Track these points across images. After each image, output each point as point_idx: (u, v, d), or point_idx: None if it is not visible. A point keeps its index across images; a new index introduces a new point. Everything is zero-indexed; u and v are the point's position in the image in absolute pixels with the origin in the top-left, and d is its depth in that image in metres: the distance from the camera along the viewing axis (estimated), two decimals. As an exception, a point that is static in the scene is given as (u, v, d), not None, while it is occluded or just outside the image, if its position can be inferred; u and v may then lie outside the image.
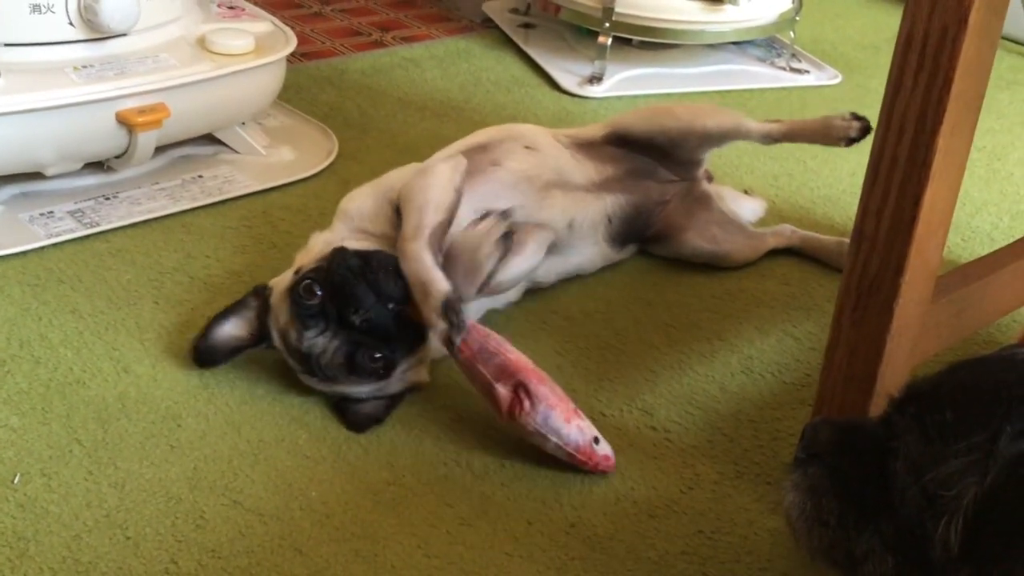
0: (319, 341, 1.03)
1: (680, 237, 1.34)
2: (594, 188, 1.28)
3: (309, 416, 1.06)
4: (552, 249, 1.22)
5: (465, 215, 1.13)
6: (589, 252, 1.29)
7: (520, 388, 1.00)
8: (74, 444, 1.00)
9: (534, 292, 1.27)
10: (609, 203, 1.29)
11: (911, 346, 0.93)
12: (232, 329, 1.09)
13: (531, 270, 1.19)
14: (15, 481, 0.95)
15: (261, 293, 1.10)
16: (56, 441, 1.00)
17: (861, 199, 0.89)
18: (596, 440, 1.01)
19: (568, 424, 1.00)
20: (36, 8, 1.29)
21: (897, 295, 0.87)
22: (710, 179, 1.44)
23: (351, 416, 1.06)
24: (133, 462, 0.98)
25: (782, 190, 1.59)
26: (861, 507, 0.73)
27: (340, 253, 1.06)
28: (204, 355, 1.08)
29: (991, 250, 1.46)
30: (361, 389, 1.06)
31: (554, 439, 0.99)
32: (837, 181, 1.63)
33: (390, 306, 1.04)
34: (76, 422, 1.02)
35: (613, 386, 1.14)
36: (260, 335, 1.09)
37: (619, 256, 1.34)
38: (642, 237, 1.35)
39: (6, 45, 1.30)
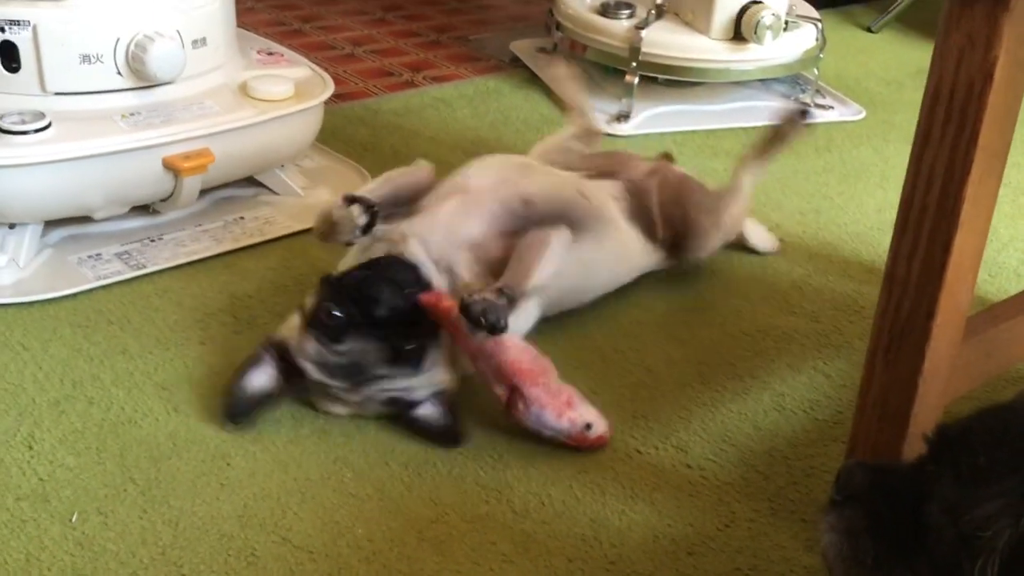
0: (355, 347, 1.07)
1: (694, 222, 1.38)
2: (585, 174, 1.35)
3: (353, 455, 1.09)
4: (579, 233, 1.24)
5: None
6: (618, 236, 1.32)
7: (515, 391, 1.08)
8: (128, 483, 1.03)
9: (570, 324, 1.30)
10: (607, 185, 1.35)
11: (942, 386, 0.95)
12: (256, 383, 1.12)
13: (559, 261, 1.20)
14: (73, 519, 0.98)
15: (273, 342, 1.14)
16: (111, 480, 1.03)
17: (892, 244, 0.92)
18: (588, 426, 1.10)
19: (560, 419, 1.09)
20: (86, 58, 1.34)
21: (929, 338, 0.90)
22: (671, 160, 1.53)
23: (430, 429, 1.11)
24: (185, 500, 1.01)
25: (809, 226, 1.62)
26: (897, 548, 0.75)
27: (332, 276, 1.13)
28: (234, 413, 1.11)
29: (1017, 285, 1.49)
30: (395, 386, 1.09)
31: (548, 432, 1.10)
32: (864, 217, 1.66)
33: (406, 291, 1.09)
34: (129, 461, 1.06)
35: (648, 424, 1.17)
36: (283, 382, 1.12)
37: (656, 255, 1.38)
38: (659, 234, 1.37)
39: (56, 94, 1.34)
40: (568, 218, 1.24)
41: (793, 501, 1.06)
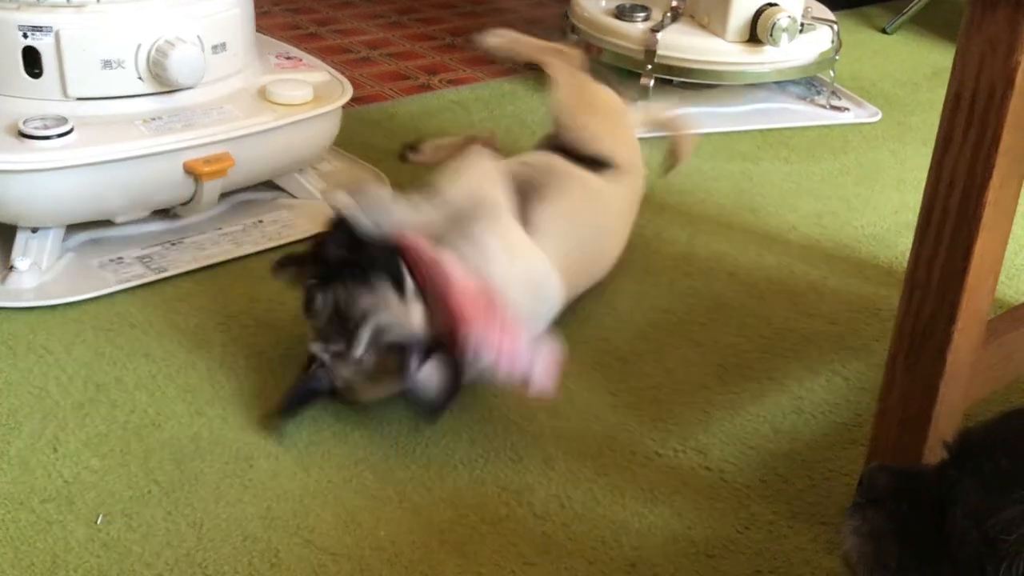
0: (329, 297, 1.10)
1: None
2: None
3: (373, 457, 1.10)
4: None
5: None
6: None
7: (458, 333, 1.06)
8: (152, 485, 1.04)
9: (588, 326, 1.30)
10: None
11: (963, 390, 0.95)
12: (314, 382, 1.14)
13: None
14: (98, 521, 0.99)
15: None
16: (135, 482, 1.04)
17: (913, 248, 0.92)
18: (529, 378, 1.07)
19: (500, 364, 1.06)
20: (107, 64, 1.35)
21: (950, 342, 0.90)
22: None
23: (428, 393, 1.09)
24: (209, 502, 1.02)
25: (826, 228, 1.62)
26: (920, 552, 0.75)
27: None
28: (289, 408, 1.14)
29: (1036, 289, 1.49)
30: (385, 322, 1.08)
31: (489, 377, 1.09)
32: (881, 219, 1.66)
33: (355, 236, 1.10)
34: (153, 463, 1.07)
35: (666, 426, 1.17)
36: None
37: None
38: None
39: (78, 99, 1.36)
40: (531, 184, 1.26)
41: (813, 504, 1.06)
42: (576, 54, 1.52)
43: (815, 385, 1.25)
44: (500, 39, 1.50)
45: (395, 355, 1.10)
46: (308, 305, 1.12)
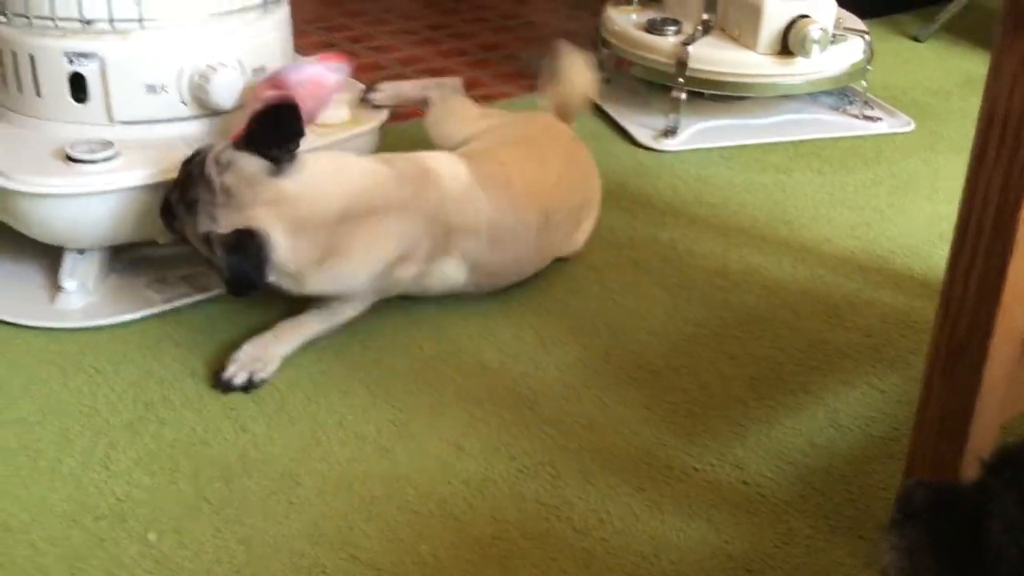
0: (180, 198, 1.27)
1: None
2: None
3: (415, 473, 1.12)
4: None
5: None
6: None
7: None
8: (202, 502, 1.07)
9: (622, 340, 1.32)
10: None
11: (999, 404, 0.96)
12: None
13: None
14: (150, 538, 1.02)
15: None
16: (185, 499, 1.07)
17: (948, 264, 0.93)
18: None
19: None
20: (151, 89, 1.38)
21: (986, 357, 0.91)
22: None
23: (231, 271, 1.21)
24: (257, 519, 1.05)
25: (861, 240, 1.63)
26: (959, 567, 0.76)
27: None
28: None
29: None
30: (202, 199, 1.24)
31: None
32: (915, 230, 1.66)
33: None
34: (202, 480, 1.10)
35: (703, 441, 1.18)
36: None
37: None
38: None
39: (123, 123, 1.39)
40: None
41: (851, 518, 1.07)
42: (453, 82, 1.70)
43: (851, 398, 1.26)
44: (383, 93, 1.61)
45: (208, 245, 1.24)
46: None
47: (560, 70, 1.62)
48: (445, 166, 1.37)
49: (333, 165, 1.30)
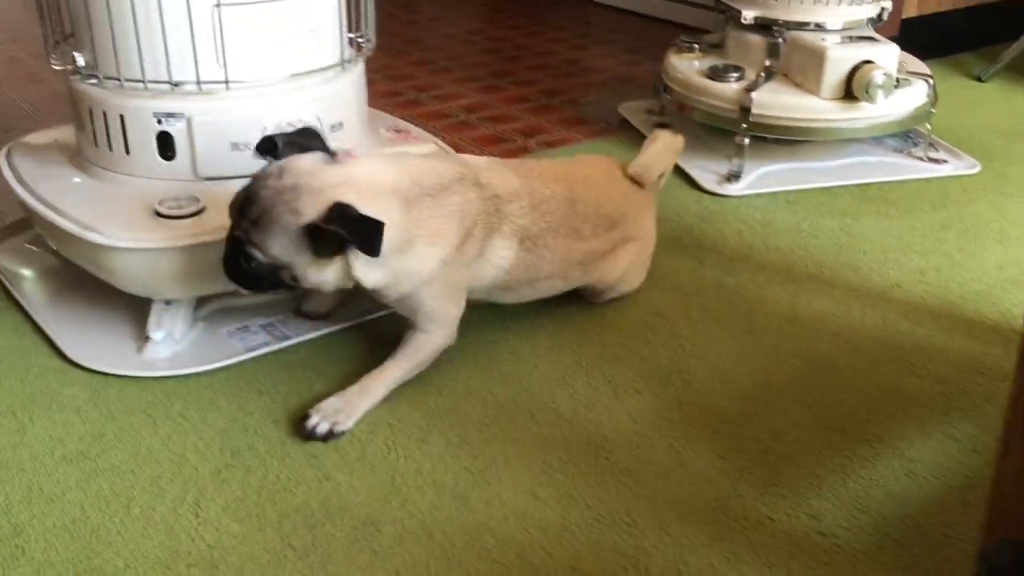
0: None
1: None
2: None
3: (493, 521, 1.14)
4: None
5: None
6: None
7: None
8: (287, 549, 1.10)
9: (693, 388, 1.33)
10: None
11: (1081, 458, 0.96)
12: None
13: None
14: (240, 584, 1.05)
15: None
16: (271, 546, 1.11)
17: (1025, 319, 0.93)
18: None
19: None
20: (235, 146, 1.44)
21: (1067, 412, 0.91)
22: None
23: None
24: (341, 566, 1.08)
25: (930, 285, 1.62)
26: (1047, 626, 0.76)
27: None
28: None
29: None
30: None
31: None
32: (985, 275, 1.65)
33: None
34: (287, 528, 1.13)
35: (778, 490, 1.19)
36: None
37: None
38: None
39: (207, 179, 1.45)
40: None
41: (929, 570, 1.07)
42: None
43: (926, 447, 1.26)
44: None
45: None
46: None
47: (648, 145, 1.62)
48: (470, 156, 1.47)
49: (381, 154, 1.39)
